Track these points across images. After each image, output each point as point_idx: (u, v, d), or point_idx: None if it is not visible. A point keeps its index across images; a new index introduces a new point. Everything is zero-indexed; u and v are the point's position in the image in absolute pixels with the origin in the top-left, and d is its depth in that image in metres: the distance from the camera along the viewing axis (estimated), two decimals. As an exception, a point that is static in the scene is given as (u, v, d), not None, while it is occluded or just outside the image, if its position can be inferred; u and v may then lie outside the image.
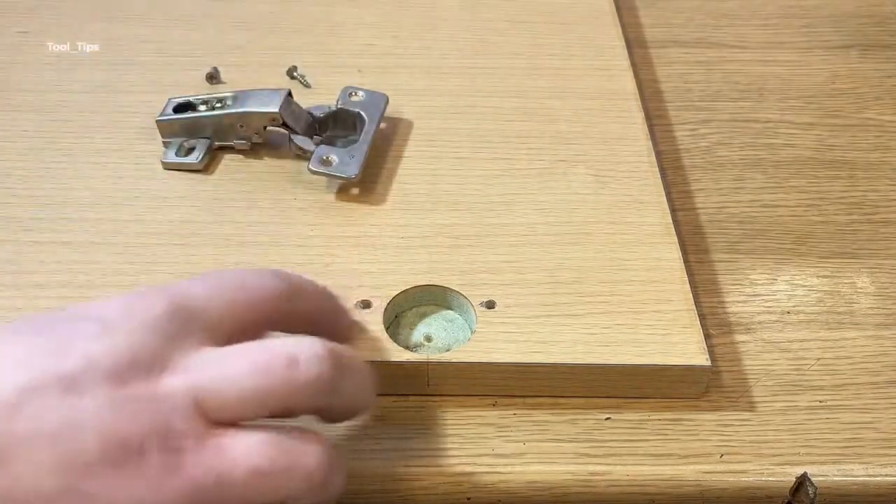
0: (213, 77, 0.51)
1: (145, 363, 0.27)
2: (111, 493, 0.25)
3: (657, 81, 0.55)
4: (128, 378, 0.27)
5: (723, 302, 0.43)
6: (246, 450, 0.27)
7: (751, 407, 0.39)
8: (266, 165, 0.46)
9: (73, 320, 0.28)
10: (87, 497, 0.25)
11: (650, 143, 0.48)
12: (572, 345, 0.38)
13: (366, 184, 0.45)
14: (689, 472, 0.36)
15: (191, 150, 0.46)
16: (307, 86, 0.51)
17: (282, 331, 0.32)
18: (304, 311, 0.32)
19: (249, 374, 0.28)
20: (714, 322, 0.42)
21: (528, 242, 0.42)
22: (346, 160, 0.44)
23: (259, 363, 0.28)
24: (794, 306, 0.43)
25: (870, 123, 0.53)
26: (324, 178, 0.45)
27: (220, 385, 0.27)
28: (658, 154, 0.49)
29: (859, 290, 0.44)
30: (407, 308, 0.40)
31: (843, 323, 0.42)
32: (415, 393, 0.38)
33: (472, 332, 0.38)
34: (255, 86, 0.47)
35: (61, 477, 0.25)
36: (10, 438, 0.25)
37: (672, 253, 0.42)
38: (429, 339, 0.39)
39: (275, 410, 0.28)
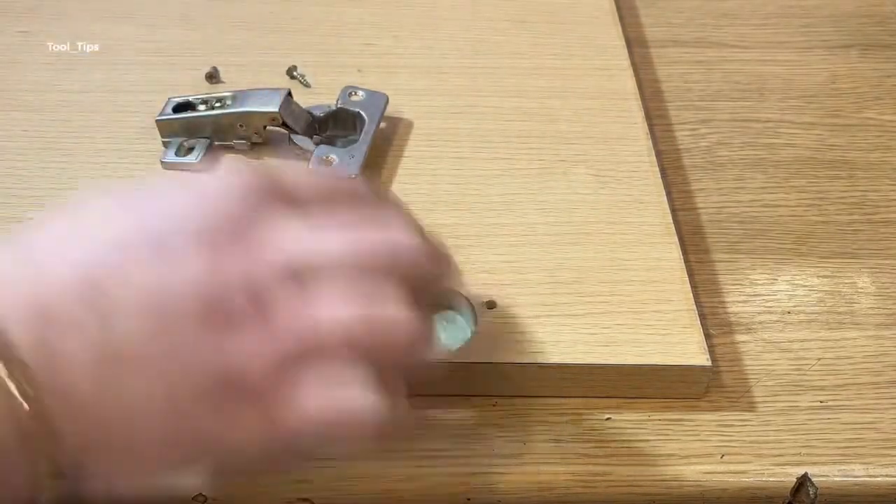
0: (212, 77, 0.51)
1: (234, 226, 0.27)
2: (213, 350, 0.26)
3: (657, 81, 0.55)
4: (218, 241, 0.27)
5: (723, 302, 0.43)
6: (337, 305, 0.27)
7: (751, 407, 0.39)
8: (266, 165, 0.46)
9: (163, 189, 0.29)
10: (189, 352, 0.25)
11: (650, 142, 0.48)
12: (572, 345, 0.38)
13: (366, 184, 0.45)
14: (690, 473, 0.36)
15: (190, 149, 0.46)
16: (307, 86, 0.51)
17: None
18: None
19: (340, 239, 0.28)
20: (714, 322, 0.42)
21: (528, 242, 0.42)
22: (346, 160, 0.44)
23: (349, 224, 0.28)
24: (794, 306, 0.43)
25: (870, 123, 0.53)
26: (324, 178, 0.45)
27: (309, 247, 0.28)
28: (658, 154, 0.49)
29: (860, 290, 0.44)
30: (407, 308, 0.40)
31: (844, 323, 0.42)
32: (415, 393, 0.38)
33: (473, 332, 0.38)
34: (255, 86, 0.47)
35: (161, 332, 0.25)
36: (106, 297, 0.25)
37: (672, 253, 0.42)
38: (429, 339, 0.39)
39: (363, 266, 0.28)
